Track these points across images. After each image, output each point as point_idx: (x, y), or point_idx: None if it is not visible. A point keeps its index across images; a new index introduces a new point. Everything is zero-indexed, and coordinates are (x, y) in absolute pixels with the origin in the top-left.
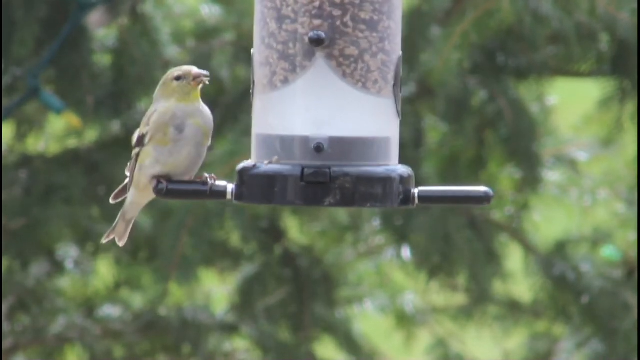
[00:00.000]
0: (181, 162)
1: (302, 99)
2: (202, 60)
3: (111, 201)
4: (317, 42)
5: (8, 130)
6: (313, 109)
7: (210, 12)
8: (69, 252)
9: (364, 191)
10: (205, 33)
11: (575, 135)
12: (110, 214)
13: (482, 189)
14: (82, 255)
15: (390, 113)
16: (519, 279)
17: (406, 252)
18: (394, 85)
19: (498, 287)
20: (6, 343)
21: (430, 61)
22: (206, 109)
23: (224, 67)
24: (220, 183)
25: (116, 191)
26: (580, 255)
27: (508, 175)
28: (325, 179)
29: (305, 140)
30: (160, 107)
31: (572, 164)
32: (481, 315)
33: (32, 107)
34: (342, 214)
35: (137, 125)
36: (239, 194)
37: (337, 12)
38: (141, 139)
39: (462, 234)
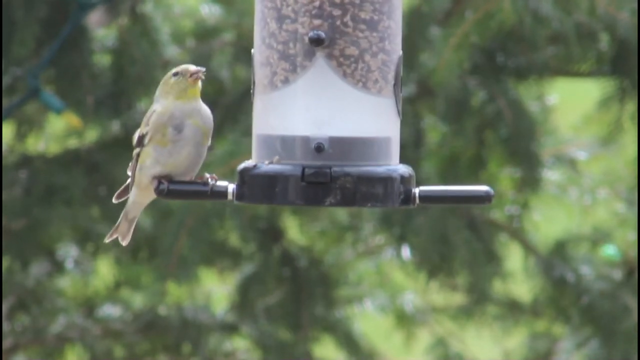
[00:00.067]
0: (181, 162)
1: (303, 99)
2: (202, 60)
3: (114, 201)
4: (317, 42)
5: (8, 130)
6: (313, 109)
7: (210, 12)
8: (69, 252)
9: (365, 191)
10: (205, 33)
11: (575, 135)
12: (110, 214)
13: (483, 188)
14: (82, 255)
15: (391, 113)
16: (518, 279)
17: (406, 251)
18: (395, 85)
19: (498, 287)
20: (6, 343)
21: (430, 62)
22: (206, 109)
23: (223, 67)
24: (221, 183)
25: (119, 191)
26: (580, 255)
27: (508, 175)
28: (326, 179)
29: (305, 140)
30: (158, 107)
31: (571, 164)
32: (481, 314)
33: (32, 107)
34: (342, 214)
35: (137, 125)
36: (240, 194)
37: (337, 12)
38: (141, 139)
39: (461, 233)
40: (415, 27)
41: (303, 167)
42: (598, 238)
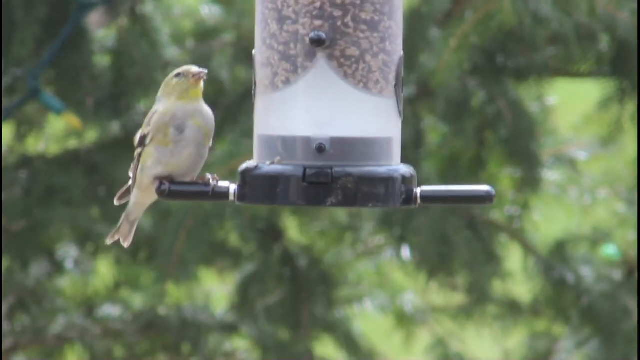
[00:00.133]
0: (183, 163)
1: (304, 100)
2: (202, 61)
3: (115, 202)
4: (317, 42)
5: (8, 131)
6: (314, 109)
7: (209, 13)
8: (69, 252)
9: (366, 191)
10: (205, 33)
11: (575, 135)
12: (110, 215)
13: (484, 188)
14: (82, 255)
15: (392, 113)
16: (518, 279)
17: (406, 251)
18: (396, 86)
19: (498, 287)
20: (6, 343)
21: (430, 63)
22: (207, 109)
23: (223, 68)
24: (223, 184)
25: (120, 192)
26: (580, 255)
27: (508, 175)
28: (327, 179)
29: (307, 140)
30: (160, 107)
31: (571, 164)
32: (481, 314)
33: (32, 108)
34: (342, 214)
35: (137, 126)
36: (241, 195)
37: (337, 13)
38: (143, 139)
39: (461, 233)
40: (415, 27)
41: (304, 167)
42: (598, 238)
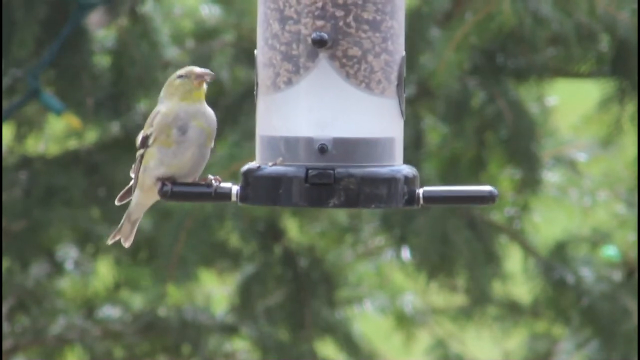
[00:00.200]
0: (185, 164)
1: (306, 100)
2: (202, 61)
3: (116, 203)
4: (319, 43)
5: (8, 131)
6: (317, 110)
7: (209, 13)
8: (68, 253)
9: (369, 192)
10: (205, 33)
11: (575, 136)
12: (110, 215)
13: (486, 188)
14: (82, 256)
15: (394, 113)
16: (518, 280)
17: (406, 252)
18: (398, 86)
19: (498, 288)
20: (6, 344)
21: (430, 63)
22: (210, 111)
23: (223, 68)
24: (225, 185)
25: (121, 193)
26: (580, 256)
27: (508, 176)
28: (330, 180)
29: (309, 141)
30: (163, 108)
31: (572, 165)
32: (481, 315)
33: (32, 108)
34: (342, 215)
35: (137, 127)
36: (243, 196)
37: (339, 13)
38: (145, 140)
39: (461, 235)
40: (415, 28)
41: (307, 168)
42: (598, 239)
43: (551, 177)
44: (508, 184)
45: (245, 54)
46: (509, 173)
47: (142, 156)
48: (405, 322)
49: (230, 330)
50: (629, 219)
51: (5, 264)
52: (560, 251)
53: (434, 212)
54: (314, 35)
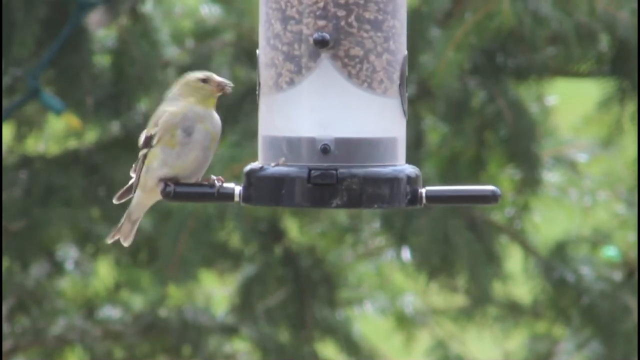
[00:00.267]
0: (188, 165)
1: (308, 100)
2: (202, 60)
3: (115, 202)
4: (321, 43)
5: (8, 131)
6: (319, 110)
7: (209, 12)
8: (69, 253)
9: (371, 192)
10: (204, 33)
11: (575, 136)
12: (110, 215)
13: (489, 188)
14: (82, 257)
15: (397, 113)
16: (519, 280)
17: (406, 253)
18: (400, 85)
19: (498, 288)
20: (6, 344)
21: (430, 63)
22: (216, 116)
23: (223, 68)
24: (228, 185)
25: (120, 192)
26: (580, 256)
27: (508, 176)
28: (332, 181)
29: (311, 141)
30: (172, 107)
31: (572, 165)
32: (481, 316)
33: (32, 108)
34: (342, 215)
35: (137, 126)
36: (246, 196)
37: (341, 13)
38: (149, 139)
39: (461, 235)
40: (415, 28)
41: (309, 168)
42: (598, 239)
43: (551, 177)
44: (508, 183)
45: (245, 53)
46: (509, 173)
47: (145, 156)
48: (405, 322)
49: (230, 331)
50: (629, 219)
51: (5, 263)
52: (561, 251)
53: (435, 213)
54: (315, 35)
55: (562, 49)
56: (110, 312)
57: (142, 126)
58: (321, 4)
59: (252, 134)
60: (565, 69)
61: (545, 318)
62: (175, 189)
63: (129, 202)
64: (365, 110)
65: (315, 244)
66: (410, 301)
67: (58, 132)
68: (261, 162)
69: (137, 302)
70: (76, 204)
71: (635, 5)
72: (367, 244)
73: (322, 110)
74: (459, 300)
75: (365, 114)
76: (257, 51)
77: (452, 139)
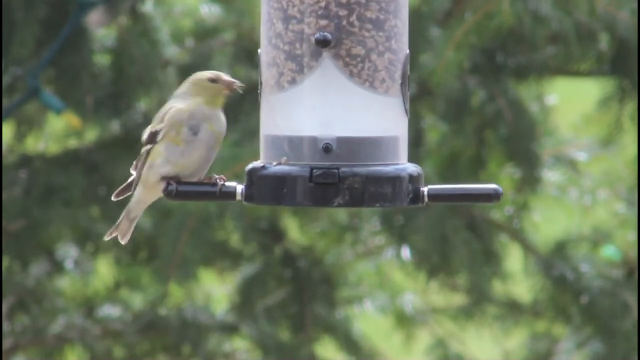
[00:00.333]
0: (192, 163)
1: (310, 100)
2: (202, 60)
3: (113, 199)
4: (323, 43)
5: (8, 130)
6: (321, 109)
7: (209, 12)
8: (68, 252)
9: (373, 191)
10: (204, 33)
11: (574, 135)
12: (110, 214)
13: (491, 186)
14: (82, 255)
15: (398, 112)
16: (518, 279)
17: (406, 252)
18: (402, 84)
19: (498, 287)
20: (6, 343)
21: (430, 62)
22: (223, 116)
23: (223, 67)
24: (230, 184)
25: (119, 189)
26: (580, 255)
27: (508, 175)
28: (334, 180)
29: (313, 140)
30: (179, 104)
31: (571, 164)
32: (481, 315)
33: (32, 107)
34: (342, 214)
35: (137, 126)
36: (248, 195)
37: (343, 12)
38: (153, 135)
39: (461, 234)
40: (415, 27)
41: (311, 167)
42: (598, 238)
43: (551, 176)
44: (508, 182)
45: (245, 53)
46: (509, 172)
47: (148, 152)
48: (405, 321)
49: (230, 329)
50: (629, 218)
51: (5, 263)
52: (561, 250)
53: (434, 211)
54: (317, 35)
55: (562, 48)
56: (110, 311)
57: (142, 126)
58: (323, 4)
59: (252, 133)
60: (565, 69)
61: (545, 317)
62: (178, 188)
63: (127, 200)
64: (367, 109)
65: (315, 243)
66: (410, 300)
67: (58, 131)
68: (263, 161)
69: (137, 300)
70: (76, 203)
71: (635, 5)
72: (366, 242)
73: (324, 109)
74: (459, 299)
75: (367, 113)
76: (259, 50)
77: (451, 138)
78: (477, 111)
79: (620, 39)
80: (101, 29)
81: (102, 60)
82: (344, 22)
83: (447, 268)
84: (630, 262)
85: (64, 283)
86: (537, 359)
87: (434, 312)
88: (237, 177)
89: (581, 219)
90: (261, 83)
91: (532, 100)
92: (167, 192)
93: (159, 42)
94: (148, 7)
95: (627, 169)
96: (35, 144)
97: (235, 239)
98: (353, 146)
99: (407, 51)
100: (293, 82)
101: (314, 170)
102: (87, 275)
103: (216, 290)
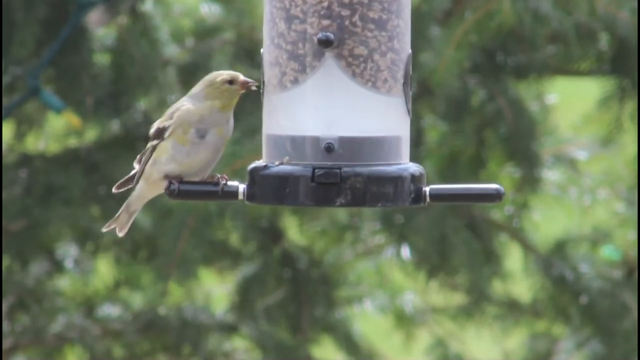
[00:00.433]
0: (196, 164)
1: (312, 99)
2: (202, 59)
3: (114, 191)
4: (325, 43)
5: (8, 129)
6: (323, 109)
7: (209, 11)
8: (68, 252)
9: (375, 191)
10: (204, 32)
11: (574, 135)
12: (110, 214)
13: (493, 186)
14: (82, 255)
15: (401, 112)
16: (518, 279)
17: (405, 251)
18: (404, 84)
19: (497, 287)
20: (6, 343)
21: (430, 61)
22: (232, 120)
23: (223, 67)
24: (232, 183)
25: (120, 181)
26: (580, 255)
27: (508, 174)
28: (336, 179)
29: (315, 140)
30: (191, 105)
31: (571, 164)
32: (480, 315)
33: (32, 107)
34: (342, 213)
35: (137, 125)
36: (250, 195)
37: (345, 12)
38: (161, 131)
39: (461, 233)
40: (415, 26)
41: (313, 167)
42: (598, 238)
43: (551, 175)
44: (508, 182)
45: (245, 52)
46: (509, 171)
47: (154, 148)
48: (405, 321)
49: (229, 329)
50: (629, 218)
51: (5, 262)
52: (560, 250)
53: (434, 211)
54: (320, 35)
55: (562, 47)
56: (110, 311)
57: (142, 125)
58: (325, 4)
59: (253, 131)
60: (565, 68)
61: (545, 317)
62: (180, 187)
63: (128, 195)
64: (369, 109)
65: (314, 242)
66: (410, 299)
67: (58, 130)
68: (265, 160)
69: (137, 300)
70: (76, 202)
71: (635, 5)
72: (366, 242)
73: (326, 109)
74: (459, 298)
75: (369, 113)
76: (262, 50)
77: (452, 138)
78: (477, 111)
79: (620, 39)
80: (101, 29)
81: (102, 60)
82: (347, 22)
83: (447, 268)
84: (630, 262)
85: (64, 282)
86: (537, 359)
87: (434, 312)
88: (236, 175)
89: (581, 218)
90: (263, 82)
91: (532, 100)
92: (169, 192)
93: (159, 41)
94: (148, 7)
95: (627, 169)
96: (35, 144)
97: (235, 239)
98: (355, 146)
99: (410, 51)
100: (295, 82)
101: (316, 170)
102: (87, 275)
103: (216, 290)
